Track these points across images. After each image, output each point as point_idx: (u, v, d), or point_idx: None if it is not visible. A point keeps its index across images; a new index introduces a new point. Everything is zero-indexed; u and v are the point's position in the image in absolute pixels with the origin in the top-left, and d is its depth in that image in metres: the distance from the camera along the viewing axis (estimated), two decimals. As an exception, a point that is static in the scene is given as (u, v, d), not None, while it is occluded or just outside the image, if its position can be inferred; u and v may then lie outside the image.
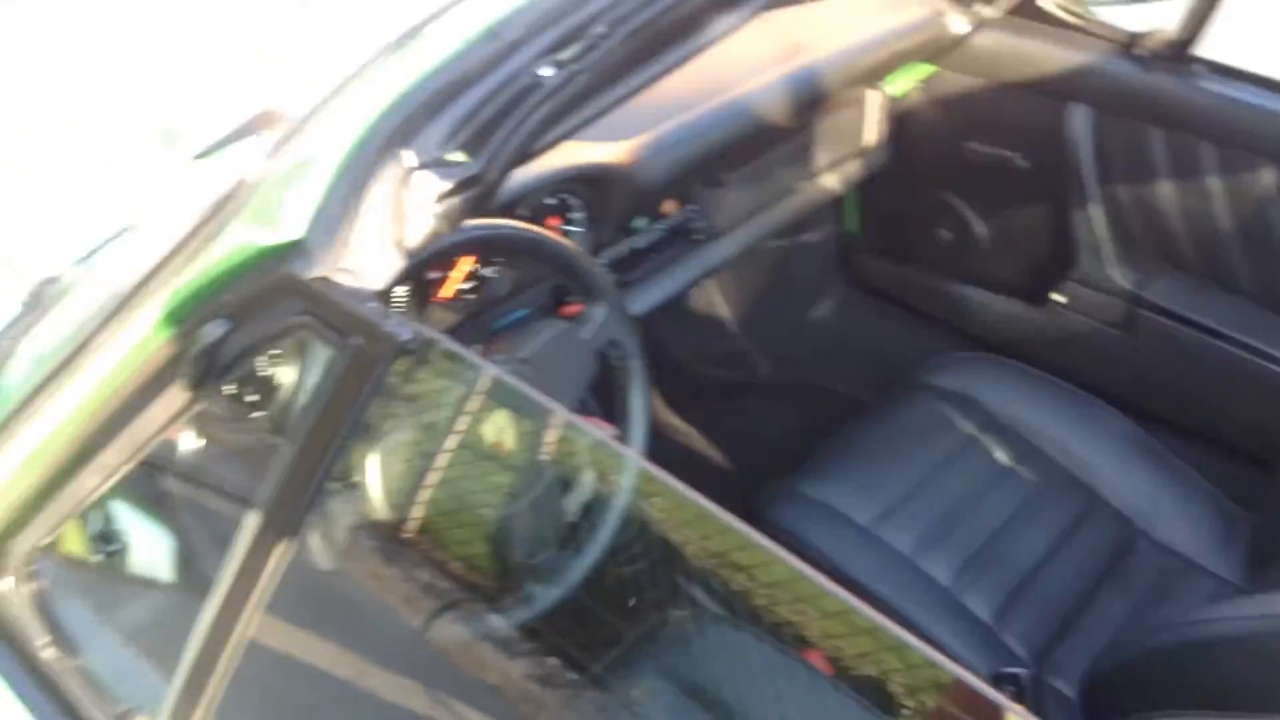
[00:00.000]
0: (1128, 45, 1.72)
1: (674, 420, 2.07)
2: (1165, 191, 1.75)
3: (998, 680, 1.37)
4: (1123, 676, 1.32)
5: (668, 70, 1.04)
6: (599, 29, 0.91)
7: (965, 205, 1.99)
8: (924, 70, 1.90)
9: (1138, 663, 1.31)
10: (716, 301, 2.16)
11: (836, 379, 2.17)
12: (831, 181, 1.87)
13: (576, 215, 1.49)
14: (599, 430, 1.26)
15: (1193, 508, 1.65)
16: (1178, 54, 1.67)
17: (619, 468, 1.24)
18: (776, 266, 2.12)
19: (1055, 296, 1.90)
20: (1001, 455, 1.67)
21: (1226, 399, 1.76)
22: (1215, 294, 1.77)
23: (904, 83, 1.91)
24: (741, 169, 1.72)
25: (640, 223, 1.61)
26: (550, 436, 1.18)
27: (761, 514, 1.60)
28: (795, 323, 2.18)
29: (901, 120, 1.93)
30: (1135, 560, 1.59)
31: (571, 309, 1.42)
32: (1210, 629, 1.23)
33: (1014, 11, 1.80)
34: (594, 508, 1.24)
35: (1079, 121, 1.77)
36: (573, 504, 1.23)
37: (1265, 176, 1.65)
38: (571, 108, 0.93)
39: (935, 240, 2.04)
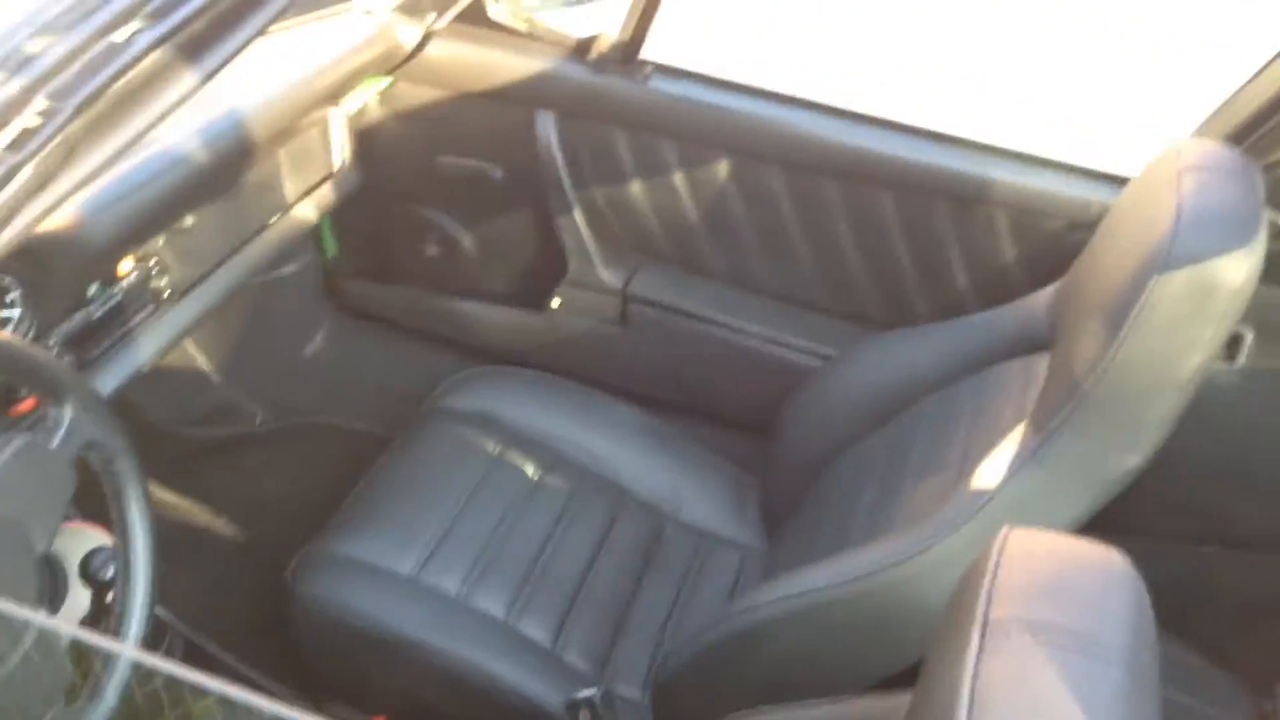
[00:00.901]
0: (579, 50, 1.76)
1: (170, 498, 1.83)
2: (636, 190, 1.81)
3: (571, 709, 1.35)
4: (686, 678, 1.35)
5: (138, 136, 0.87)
6: (42, 105, 0.72)
7: (448, 219, 1.94)
8: (381, 84, 1.81)
9: (697, 662, 1.35)
10: (192, 354, 1.94)
11: (344, 416, 2.04)
12: (306, 210, 1.74)
13: (12, 296, 1.24)
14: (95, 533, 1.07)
15: (708, 484, 1.74)
16: (627, 57, 1.73)
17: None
18: (256, 306, 1.95)
19: (553, 301, 1.91)
20: (530, 469, 1.65)
21: (719, 376, 1.88)
22: (694, 281, 1.88)
23: (362, 98, 1.82)
24: (203, 212, 1.53)
25: (94, 290, 1.38)
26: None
27: (294, 588, 1.46)
28: (287, 362, 2.02)
29: (367, 137, 1.84)
30: (668, 546, 1.64)
31: (24, 406, 1.18)
32: (758, 614, 1.29)
33: (464, 20, 1.77)
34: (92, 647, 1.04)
35: (546, 128, 1.79)
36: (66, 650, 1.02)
37: (720, 169, 1.76)
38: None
39: (422, 257, 1.97)
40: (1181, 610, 1.17)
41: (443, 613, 1.46)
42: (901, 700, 0.87)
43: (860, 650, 1.26)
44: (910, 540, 1.20)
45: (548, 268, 1.91)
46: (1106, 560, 0.66)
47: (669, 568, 1.62)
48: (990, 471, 1.20)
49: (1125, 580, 0.65)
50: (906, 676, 1.22)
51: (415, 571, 1.49)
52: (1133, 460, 1.16)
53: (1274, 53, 1.43)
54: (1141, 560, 0.92)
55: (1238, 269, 1.07)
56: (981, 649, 0.60)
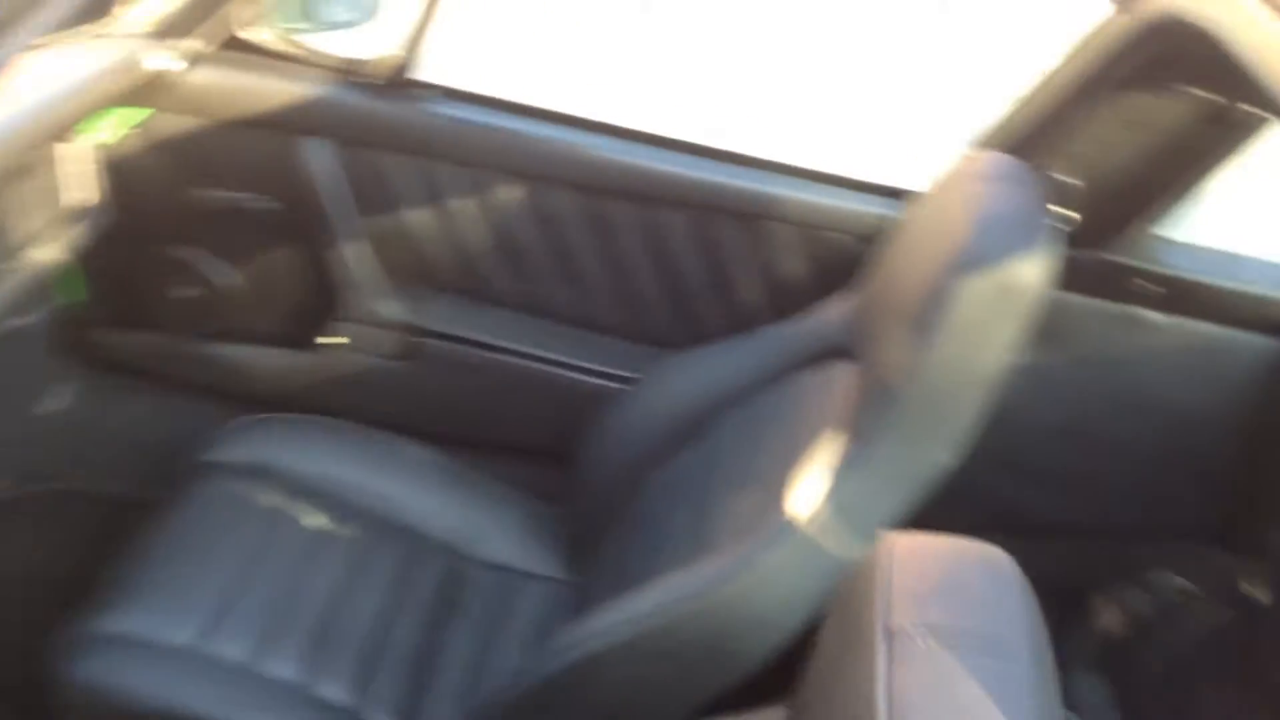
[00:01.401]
0: (347, 73, 1.66)
1: None
2: (413, 218, 1.73)
3: None
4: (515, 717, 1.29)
5: None
6: None
7: (205, 257, 1.79)
8: (138, 114, 1.66)
9: (520, 705, 1.29)
10: None
11: (98, 479, 1.84)
12: (43, 254, 1.55)
13: None
14: None
15: (507, 519, 1.67)
16: (398, 79, 1.65)
17: None
18: None
19: (328, 340, 1.79)
20: (315, 520, 1.54)
21: (513, 407, 1.81)
22: (483, 309, 1.81)
23: (115, 129, 1.65)
24: None
25: None
26: None
27: (59, 677, 1.29)
28: (29, 424, 1.81)
29: (119, 171, 1.67)
30: (469, 587, 1.57)
31: None
32: (583, 649, 1.24)
33: (227, 46, 1.64)
34: None
35: (317, 156, 1.68)
36: None
37: (504, 192, 1.70)
38: None
39: (181, 300, 1.81)
40: None
41: (232, 683, 1.34)
42: (770, 716, 0.84)
43: (692, 673, 1.23)
44: (737, 556, 1.18)
45: (320, 304, 1.79)
46: (992, 559, 0.65)
47: (472, 610, 1.54)
48: (809, 480, 1.20)
49: (1012, 577, 0.64)
50: (743, 693, 1.20)
51: (197, 642, 1.35)
52: (945, 457, 1.18)
53: (1046, 68, 1.52)
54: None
55: (1034, 270, 1.11)
56: (891, 658, 0.57)
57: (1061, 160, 1.52)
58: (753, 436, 1.42)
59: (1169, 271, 1.64)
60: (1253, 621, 1.55)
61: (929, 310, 1.12)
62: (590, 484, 1.61)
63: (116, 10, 1.50)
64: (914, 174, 1.65)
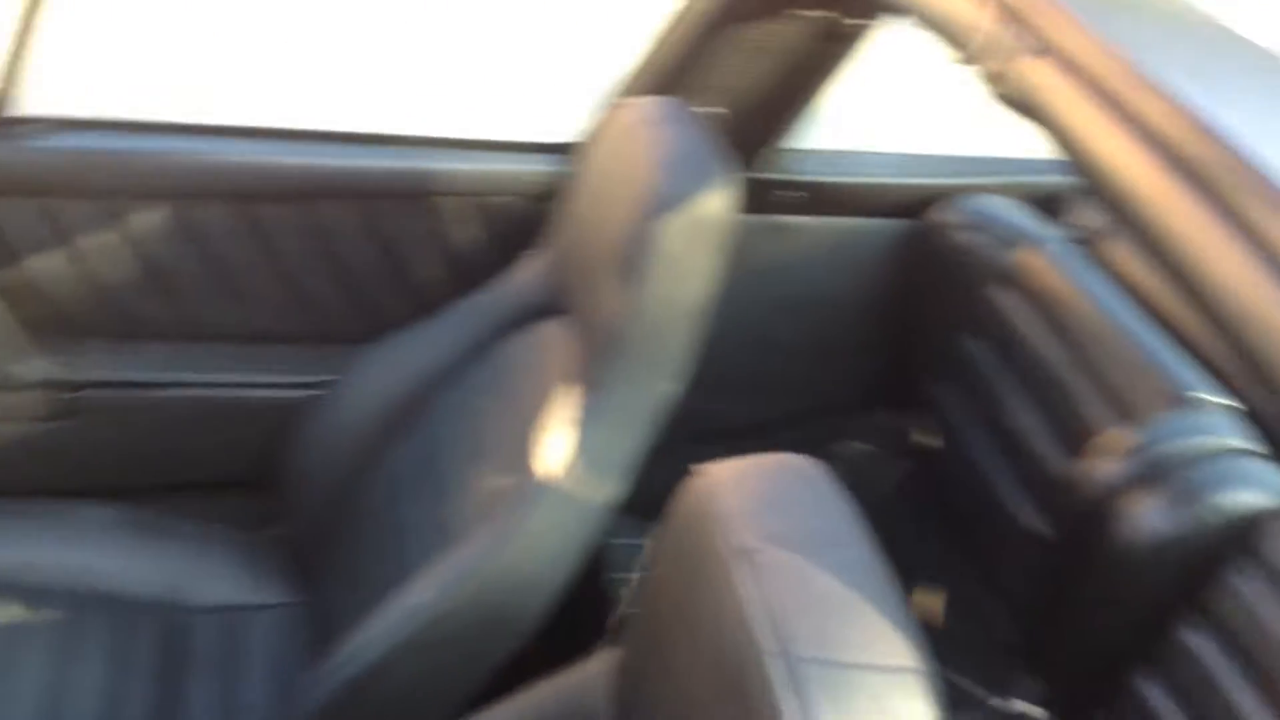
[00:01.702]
0: None
1: None
2: (47, 264, 1.55)
3: None
4: None
5: None
6: None
7: None
8: None
9: None
10: None
11: None
12: None
13: None
14: None
15: (217, 557, 1.57)
16: None
17: None
18: None
19: None
20: (4, 614, 1.37)
21: (196, 441, 1.69)
22: (142, 347, 1.66)
23: None
24: None
25: None
26: None
27: None
28: None
29: None
30: (194, 637, 1.45)
31: None
32: (366, 658, 1.21)
33: None
34: None
35: None
36: None
37: (140, 218, 1.56)
38: None
39: None
40: None
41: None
42: (594, 667, 0.86)
43: (476, 651, 1.23)
44: (501, 527, 1.19)
45: None
46: (799, 466, 0.70)
47: (204, 659, 1.43)
48: (554, 437, 1.22)
49: (820, 476, 0.70)
50: (532, 655, 1.22)
51: None
52: (670, 386, 1.25)
53: (673, 9, 1.59)
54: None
55: (721, 200, 1.19)
56: (749, 574, 0.61)
57: (701, 94, 1.60)
58: (473, 411, 1.42)
59: (804, 178, 1.78)
60: (931, 464, 1.74)
61: (634, 253, 1.17)
62: (302, 499, 1.54)
63: None
64: (569, 127, 1.69)
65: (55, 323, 1.61)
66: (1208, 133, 0.64)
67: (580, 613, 1.32)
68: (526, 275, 1.49)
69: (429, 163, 1.65)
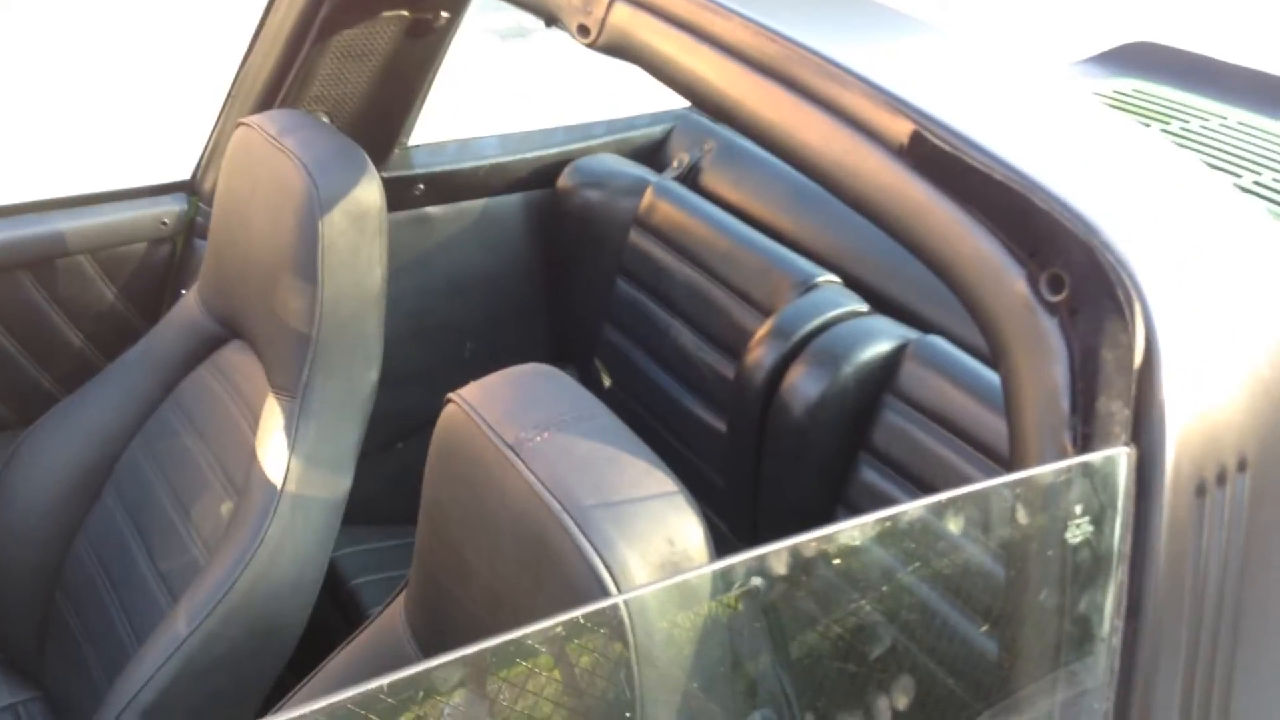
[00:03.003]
0: None
1: None
2: None
3: None
4: None
5: None
6: None
7: None
8: None
9: None
10: None
11: None
12: None
13: None
14: None
15: None
16: None
17: None
18: None
19: None
20: None
21: None
22: None
23: None
24: None
25: None
26: None
27: None
28: None
29: None
30: None
31: None
32: (141, 702, 1.22)
33: None
34: None
35: None
36: None
37: None
38: None
39: None
40: None
41: None
42: (385, 617, 0.96)
43: (250, 668, 1.27)
44: (243, 543, 1.23)
45: None
46: (535, 369, 0.83)
47: None
48: (268, 448, 1.28)
49: (551, 370, 0.83)
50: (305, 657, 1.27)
51: None
52: (373, 374, 1.34)
53: (259, 27, 1.63)
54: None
55: (371, 189, 1.29)
56: (527, 461, 0.73)
57: (308, 105, 1.65)
58: (176, 451, 1.43)
59: (431, 170, 1.89)
60: (616, 401, 1.91)
61: (304, 253, 1.25)
62: (6, 599, 1.49)
63: None
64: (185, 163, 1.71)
65: None
66: (768, 33, 0.82)
67: (335, 628, 1.37)
68: (185, 313, 1.51)
69: (51, 225, 1.62)
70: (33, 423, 1.53)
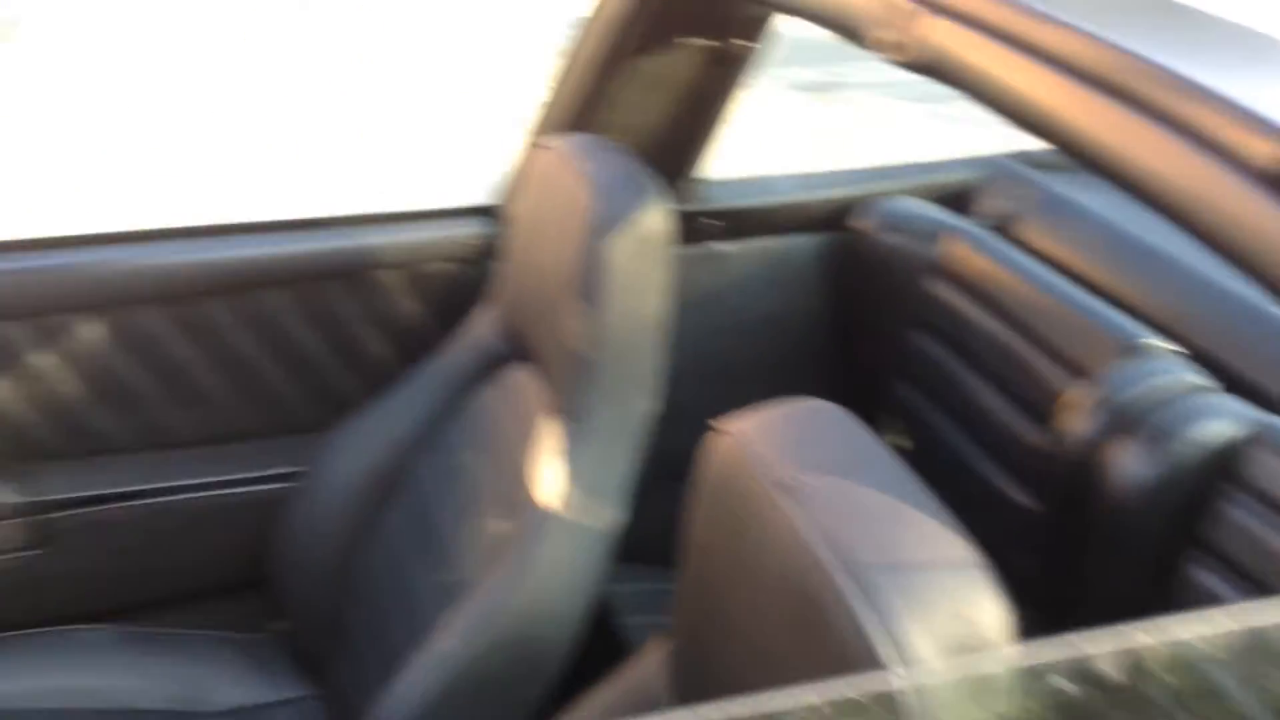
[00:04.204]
0: None
1: None
2: None
3: None
4: None
5: None
6: None
7: None
8: None
9: None
10: None
11: None
12: None
13: None
14: None
15: (224, 662, 1.57)
16: None
17: None
18: None
19: None
20: None
21: (176, 549, 1.68)
22: (104, 462, 1.65)
23: None
24: None
25: None
26: None
27: None
28: None
29: None
30: None
31: None
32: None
33: None
34: None
35: None
36: None
37: (81, 332, 1.57)
38: None
39: None
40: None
41: None
42: (647, 658, 0.89)
43: (511, 695, 1.25)
44: (513, 568, 1.22)
45: None
46: (813, 405, 0.75)
47: None
48: (544, 472, 1.26)
49: (836, 410, 0.75)
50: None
51: None
52: (649, 404, 1.30)
53: (566, 50, 1.65)
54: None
55: (658, 217, 1.26)
56: (798, 505, 0.65)
57: (608, 132, 1.65)
58: (458, 467, 1.45)
59: (723, 206, 1.86)
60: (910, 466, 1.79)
61: (589, 276, 1.23)
62: (298, 591, 1.55)
63: None
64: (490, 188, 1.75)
65: (13, 449, 1.60)
66: (1104, 44, 0.72)
67: (598, 664, 1.34)
68: (478, 331, 1.53)
69: (362, 239, 1.69)
70: (336, 426, 1.59)
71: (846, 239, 1.87)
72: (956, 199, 1.90)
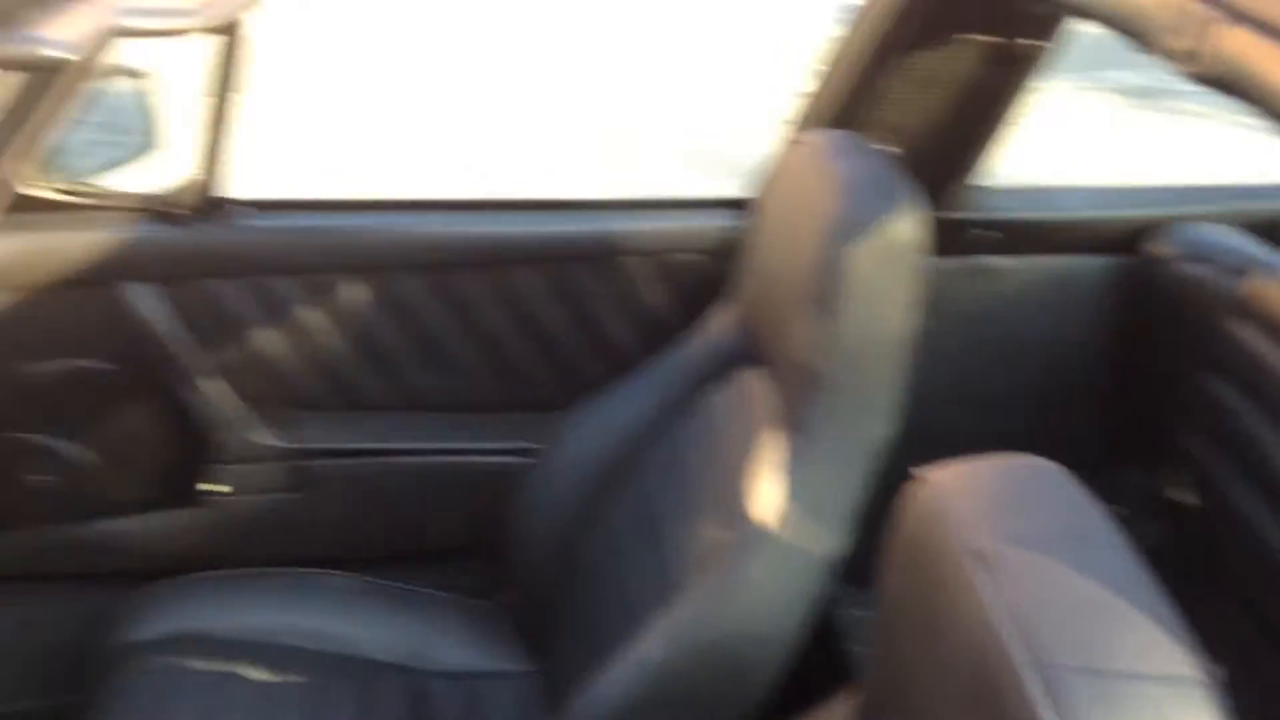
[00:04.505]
0: (154, 208, 1.58)
1: None
2: (265, 339, 1.66)
3: None
4: None
5: None
6: None
7: (49, 436, 1.66)
8: None
9: None
10: None
11: (8, 699, 1.67)
12: None
13: None
14: None
15: (452, 624, 1.61)
16: (207, 202, 1.58)
17: None
18: None
19: (208, 487, 1.69)
20: (258, 675, 1.44)
21: (417, 508, 1.75)
22: (359, 417, 1.74)
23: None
24: None
25: None
26: None
27: None
28: None
29: None
30: (438, 702, 1.49)
31: None
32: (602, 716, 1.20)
33: (12, 209, 1.53)
34: None
35: (143, 301, 1.59)
36: None
37: (344, 290, 1.65)
38: None
39: (31, 490, 1.67)
40: None
41: None
42: (834, 709, 0.83)
43: (714, 708, 1.21)
44: (721, 579, 1.18)
45: (191, 454, 1.68)
46: (1031, 464, 0.67)
47: None
48: (764, 485, 1.20)
49: (1057, 472, 0.66)
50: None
51: None
52: (884, 428, 1.21)
53: (834, 43, 1.58)
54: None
55: (909, 224, 1.16)
56: (990, 577, 0.57)
57: (874, 130, 1.58)
58: (682, 464, 1.42)
59: (1000, 216, 1.73)
60: (1188, 524, 1.61)
61: (826, 282, 1.15)
62: (524, 565, 1.57)
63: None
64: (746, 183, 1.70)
65: (279, 396, 1.71)
66: None
67: (815, 686, 1.28)
68: (717, 327, 1.49)
69: (612, 224, 1.69)
70: (574, 407, 1.60)
71: (1139, 265, 1.70)
72: (1273, 230, 1.69)
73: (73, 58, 0.92)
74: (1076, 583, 0.57)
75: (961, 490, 0.65)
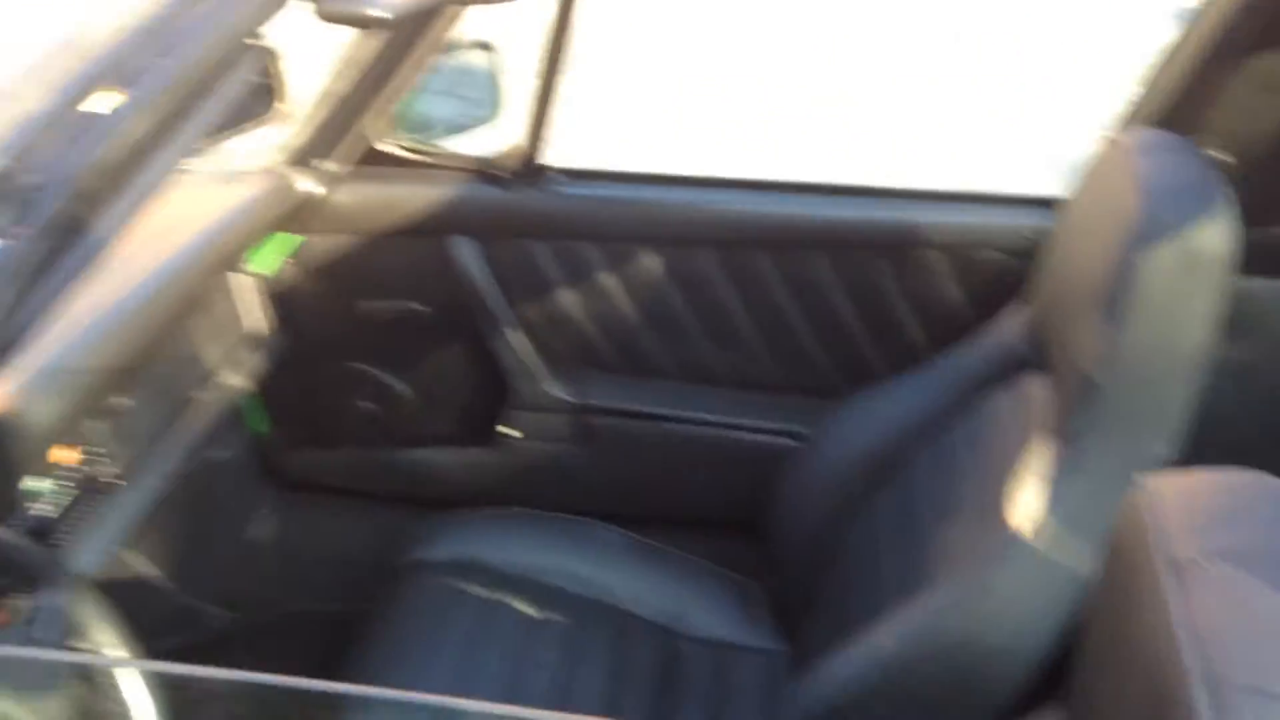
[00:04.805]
0: (482, 170, 1.73)
1: None
2: (568, 300, 1.77)
3: None
4: None
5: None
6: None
7: (377, 368, 1.86)
8: (291, 242, 1.75)
9: None
10: (129, 561, 1.79)
11: (310, 599, 1.90)
12: (232, 381, 1.64)
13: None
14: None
15: (710, 592, 1.66)
16: (529, 168, 1.71)
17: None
18: (193, 497, 1.83)
19: (504, 430, 1.84)
20: (525, 609, 1.55)
21: (690, 477, 1.81)
22: (646, 383, 1.82)
23: (273, 259, 1.75)
24: (130, 391, 1.43)
25: (40, 484, 1.26)
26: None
27: None
28: (237, 553, 1.89)
29: (286, 300, 1.76)
30: (687, 665, 1.55)
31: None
32: (828, 700, 1.21)
33: (364, 162, 1.73)
34: None
35: (465, 254, 1.74)
36: None
37: (648, 263, 1.73)
38: None
39: (360, 413, 1.88)
40: None
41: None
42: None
43: (936, 712, 1.19)
44: (969, 584, 1.16)
45: (492, 398, 1.84)
46: (1255, 479, 0.63)
47: (694, 689, 1.52)
48: (1027, 493, 1.16)
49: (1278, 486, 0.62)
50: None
51: None
52: (1161, 448, 1.13)
53: (1172, 39, 1.48)
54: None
55: (1216, 235, 1.07)
56: (1182, 588, 0.55)
57: (1208, 136, 1.46)
58: (951, 464, 1.39)
59: None
60: None
61: (1115, 289, 1.09)
62: (787, 549, 1.59)
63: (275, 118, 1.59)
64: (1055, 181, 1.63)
65: (576, 354, 1.82)
66: None
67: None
68: (1007, 329, 1.44)
69: (908, 214, 1.67)
70: (853, 395, 1.60)
71: None
72: None
73: (389, 16, 1.02)
74: (1270, 601, 0.54)
75: (1174, 499, 0.62)
